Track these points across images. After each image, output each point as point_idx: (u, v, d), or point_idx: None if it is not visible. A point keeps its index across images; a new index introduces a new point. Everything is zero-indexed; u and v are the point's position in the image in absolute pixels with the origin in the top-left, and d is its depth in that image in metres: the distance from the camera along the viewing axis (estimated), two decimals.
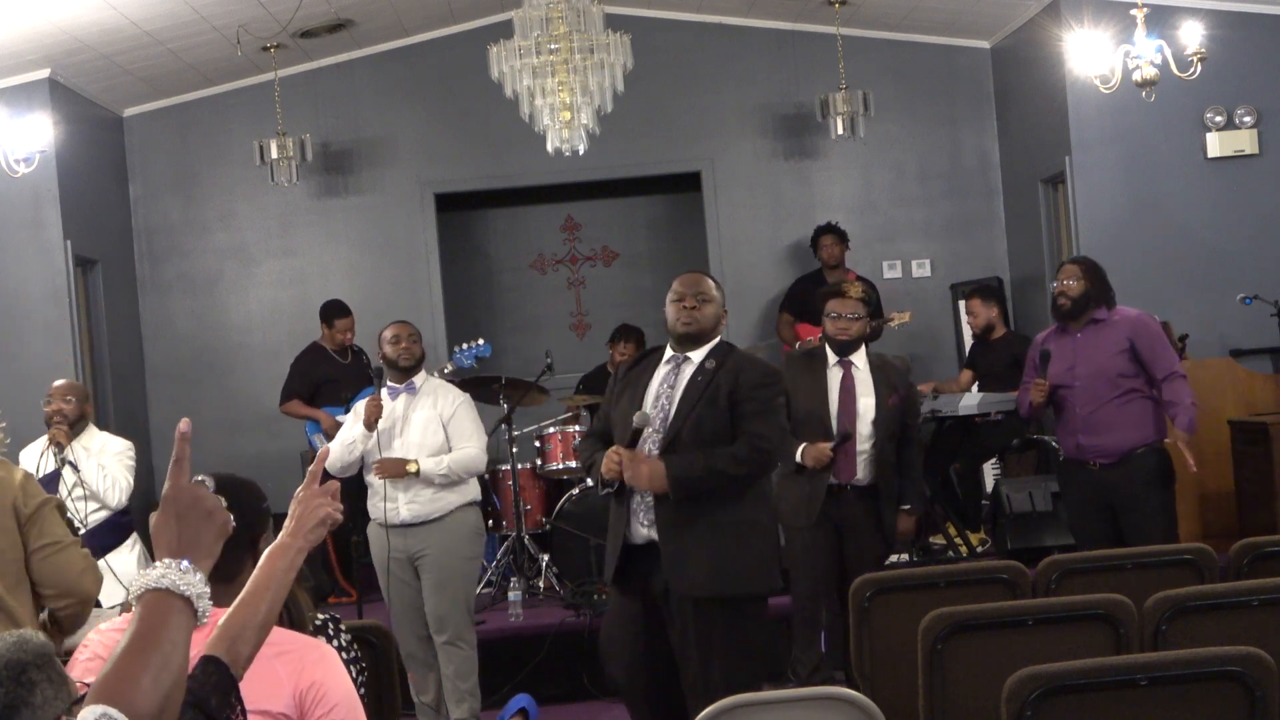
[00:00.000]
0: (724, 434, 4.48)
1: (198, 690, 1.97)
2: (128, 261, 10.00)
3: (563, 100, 7.71)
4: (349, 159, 10.13)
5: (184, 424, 1.97)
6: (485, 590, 7.50)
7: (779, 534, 5.00)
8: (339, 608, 7.72)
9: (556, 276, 10.87)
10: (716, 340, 4.65)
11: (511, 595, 7.15)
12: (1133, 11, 6.85)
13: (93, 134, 9.42)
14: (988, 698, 3.18)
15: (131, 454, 6.15)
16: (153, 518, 1.93)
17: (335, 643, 3.01)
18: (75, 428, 6.01)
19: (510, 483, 7.73)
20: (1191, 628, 3.60)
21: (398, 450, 5.97)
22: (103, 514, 5.99)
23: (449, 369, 7.13)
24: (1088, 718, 2.98)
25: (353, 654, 3.06)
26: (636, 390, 4.57)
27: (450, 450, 5.99)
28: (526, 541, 7.71)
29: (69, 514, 5.74)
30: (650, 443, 4.49)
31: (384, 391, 6.12)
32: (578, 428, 7.91)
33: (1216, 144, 8.59)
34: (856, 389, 5.77)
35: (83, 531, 5.79)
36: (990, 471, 8.71)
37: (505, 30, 8.09)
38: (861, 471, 5.75)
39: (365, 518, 6.20)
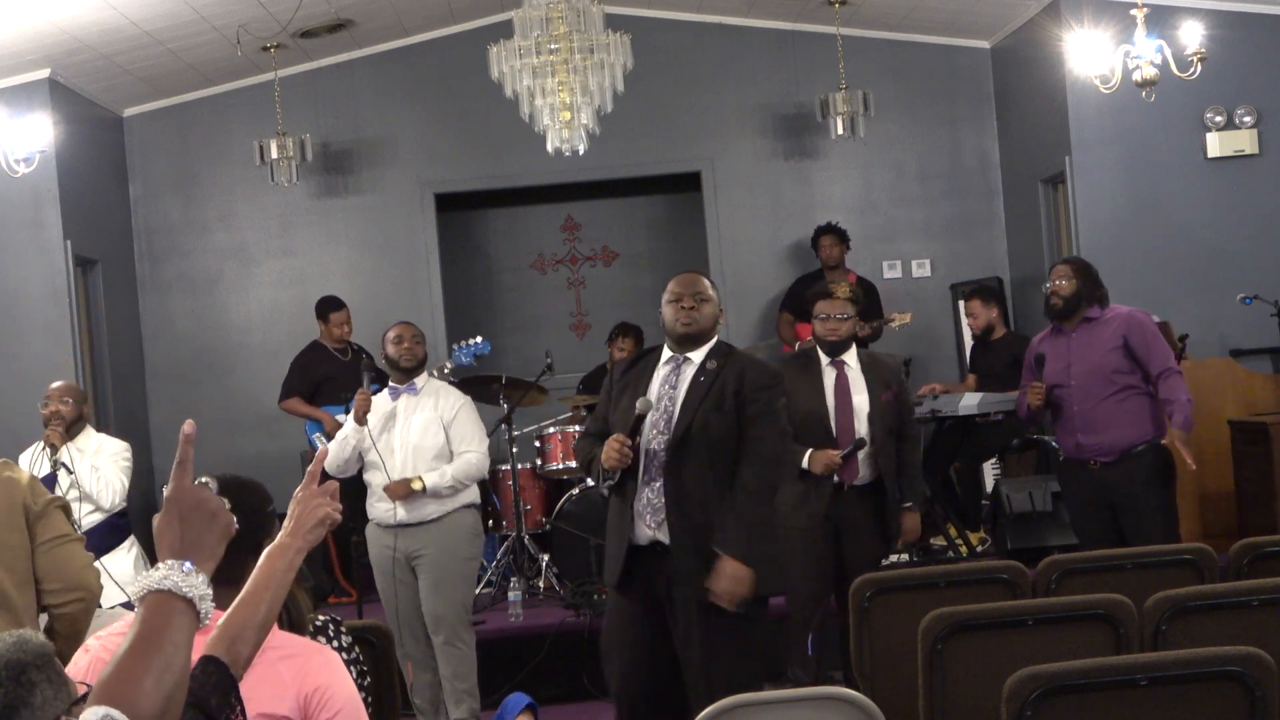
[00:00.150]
0: (731, 435, 4.46)
1: (197, 690, 1.97)
2: (128, 261, 10.00)
3: (563, 100, 7.72)
4: (349, 159, 10.13)
5: (188, 426, 1.97)
6: (485, 590, 7.50)
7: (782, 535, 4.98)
8: (339, 608, 7.72)
9: (556, 276, 10.88)
10: (714, 340, 4.63)
11: (511, 595, 7.15)
12: (1133, 11, 6.86)
13: (93, 134, 9.42)
14: (988, 698, 3.18)
15: (128, 455, 6.15)
16: (156, 519, 1.93)
17: (336, 644, 3.01)
18: (72, 430, 6.01)
19: (510, 483, 7.73)
20: (1191, 628, 3.60)
21: (398, 450, 5.97)
22: (98, 516, 5.99)
23: (448, 368, 7.12)
24: (1088, 718, 2.98)
25: (353, 655, 3.06)
26: (636, 391, 4.55)
27: (450, 452, 5.99)
28: (526, 541, 7.71)
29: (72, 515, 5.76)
30: (655, 443, 4.46)
31: (385, 392, 6.12)
32: (577, 428, 7.91)
33: (1216, 144, 8.59)
34: (850, 388, 5.78)
35: (78, 531, 5.80)
36: (990, 471, 8.72)
37: (505, 30, 8.10)
38: (862, 470, 5.75)
39: (365, 518, 6.20)
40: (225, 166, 10.06)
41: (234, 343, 10.12)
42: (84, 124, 9.12)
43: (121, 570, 5.97)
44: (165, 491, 1.96)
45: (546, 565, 7.65)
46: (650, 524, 4.44)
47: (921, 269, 10.12)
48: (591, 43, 7.68)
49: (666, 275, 4.77)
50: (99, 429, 6.72)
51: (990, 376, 8.02)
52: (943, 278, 10.06)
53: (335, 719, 2.51)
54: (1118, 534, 5.95)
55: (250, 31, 8.72)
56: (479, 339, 7.62)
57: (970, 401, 7.64)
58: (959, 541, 7.74)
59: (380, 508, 6.01)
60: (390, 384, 6.15)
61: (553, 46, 7.64)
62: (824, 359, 5.82)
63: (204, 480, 2.00)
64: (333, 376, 8.43)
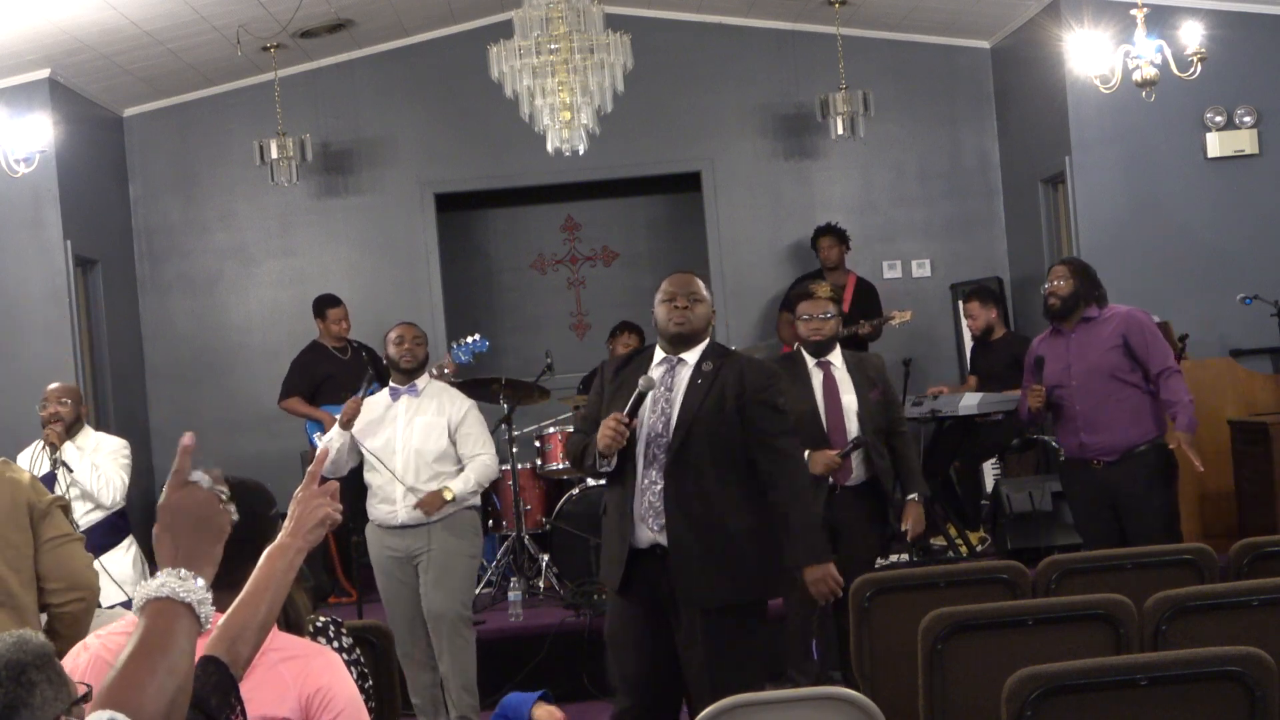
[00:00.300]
0: (735, 439, 4.44)
1: (198, 690, 1.97)
2: (128, 261, 10.01)
3: (563, 100, 7.72)
4: (349, 159, 10.13)
5: (188, 438, 1.98)
6: (485, 590, 7.50)
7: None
8: (339, 608, 7.72)
9: (556, 276, 10.88)
10: (708, 341, 4.61)
11: (511, 595, 7.15)
12: (1133, 11, 6.86)
13: (93, 134, 9.42)
14: (988, 698, 3.18)
15: (126, 452, 6.15)
16: (155, 530, 1.97)
17: (336, 645, 3.01)
18: (70, 430, 6.01)
19: (510, 483, 7.73)
20: (1191, 628, 3.60)
21: (400, 452, 5.96)
22: (97, 515, 5.99)
23: (448, 368, 7.12)
24: (1088, 718, 2.98)
25: (354, 656, 3.06)
26: (630, 391, 4.52)
27: (453, 455, 5.98)
28: (526, 541, 7.71)
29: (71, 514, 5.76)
30: (655, 445, 4.44)
31: (386, 392, 6.11)
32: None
33: (1216, 144, 8.59)
34: (839, 388, 5.78)
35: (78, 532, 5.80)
36: (990, 471, 8.72)
37: (505, 30, 8.10)
38: (856, 471, 5.75)
39: (365, 518, 6.20)
40: (225, 166, 10.06)
41: (234, 343, 10.12)
42: (84, 124, 9.12)
43: (121, 569, 5.98)
44: (159, 502, 1.97)
45: (546, 565, 7.65)
46: (652, 527, 4.41)
47: (921, 269, 10.12)
48: (591, 43, 7.68)
49: (666, 275, 4.74)
50: (98, 429, 6.73)
51: (990, 377, 8.02)
52: (943, 278, 10.06)
53: None
54: (1121, 533, 5.95)
55: (250, 31, 8.72)
56: (477, 336, 7.62)
57: (970, 401, 7.64)
58: (959, 541, 7.74)
59: (382, 509, 6.01)
60: (391, 384, 6.14)
61: (553, 46, 7.64)
62: (809, 361, 5.81)
63: (194, 478, 1.99)
64: (333, 375, 8.42)
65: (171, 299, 10.13)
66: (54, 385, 6.18)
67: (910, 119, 10.06)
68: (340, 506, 2.37)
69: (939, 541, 7.92)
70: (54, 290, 8.69)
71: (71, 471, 5.90)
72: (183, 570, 1.90)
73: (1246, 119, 8.58)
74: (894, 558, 7.44)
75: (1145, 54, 6.80)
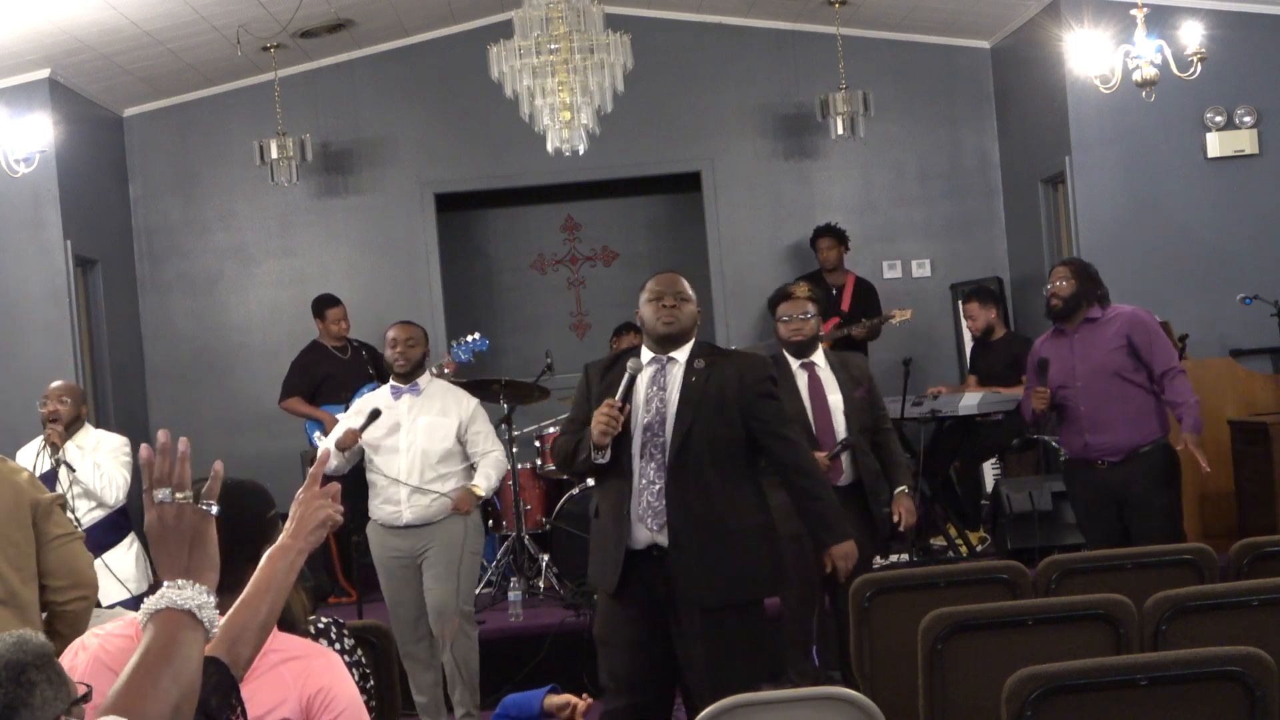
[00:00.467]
0: (736, 437, 4.44)
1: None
2: (128, 261, 10.01)
3: (563, 100, 7.72)
4: (349, 159, 10.13)
5: (144, 450, 1.98)
6: (485, 590, 7.50)
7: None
8: (339, 608, 7.72)
9: (556, 276, 10.88)
10: (693, 340, 4.61)
11: (511, 595, 7.15)
12: (1133, 11, 6.85)
13: (93, 134, 9.42)
14: (988, 698, 3.18)
15: (127, 450, 6.15)
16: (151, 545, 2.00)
17: (338, 646, 3.01)
18: (70, 428, 6.01)
19: (510, 483, 7.73)
20: (1191, 628, 3.60)
21: (404, 452, 5.95)
22: (99, 513, 6.00)
23: (448, 368, 7.12)
24: (1088, 718, 2.98)
25: (355, 658, 3.05)
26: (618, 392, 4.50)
27: (458, 453, 5.97)
28: (526, 541, 7.71)
29: (68, 512, 5.77)
30: (652, 445, 4.43)
31: (387, 391, 6.09)
32: None
33: (1216, 144, 8.59)
34: (824, 388, 5.77)
35: (79, 529, 5.80)
36: (990, 471, 8.72)
37: (505, 30, 8.10)
38: (845, 471, 5.74)
39: (365, 518, 6.20)
40: (225, 166, 10.06)
41: (234, 343, 10.12)
42: (84, 124, 9.12)
43: (124, 567, 5.98)
44: (145, 523, 1.99)
45: (546, 565, 7.65)
46: (651, 526, 4.40)
47: (921, 269, 10.13)
48: (591, 43, 7.68)
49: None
50: (98, 428, 6.72)
51: (990, 377, 8.03)
52: (943, 278, 10.06)
53: None
54: (1124, 533, 5.95)
55: (250, 31, 8.72)
56: (477, 335, 7.62)
57: (970, 401, 7.64)
58: (959, 541, 7.74)
59: (386, 510, 6.00)
60: (392, 383, 6.13)
61: (553, 46, 7.64)
62: (793, 362, 5.80)
63: (159, 498, 1.97)
64: (333, 375, 8.44)
65: (171, 299, 10.13)
66: (55, 384, 6.18)
67: (910, 119, 10.06)
68: (341, 508, 2.37)
69: (939, 541, 7.93)
70: (54, 290, 8.69)
71: (74, 471, 5.90)
72: (181, 580, 1.92)
73: (1246, 119, 8.58)
74: (894, 558, 7.44)
75: (1145, 54, 6.80)
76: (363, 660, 3.11)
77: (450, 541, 5.94)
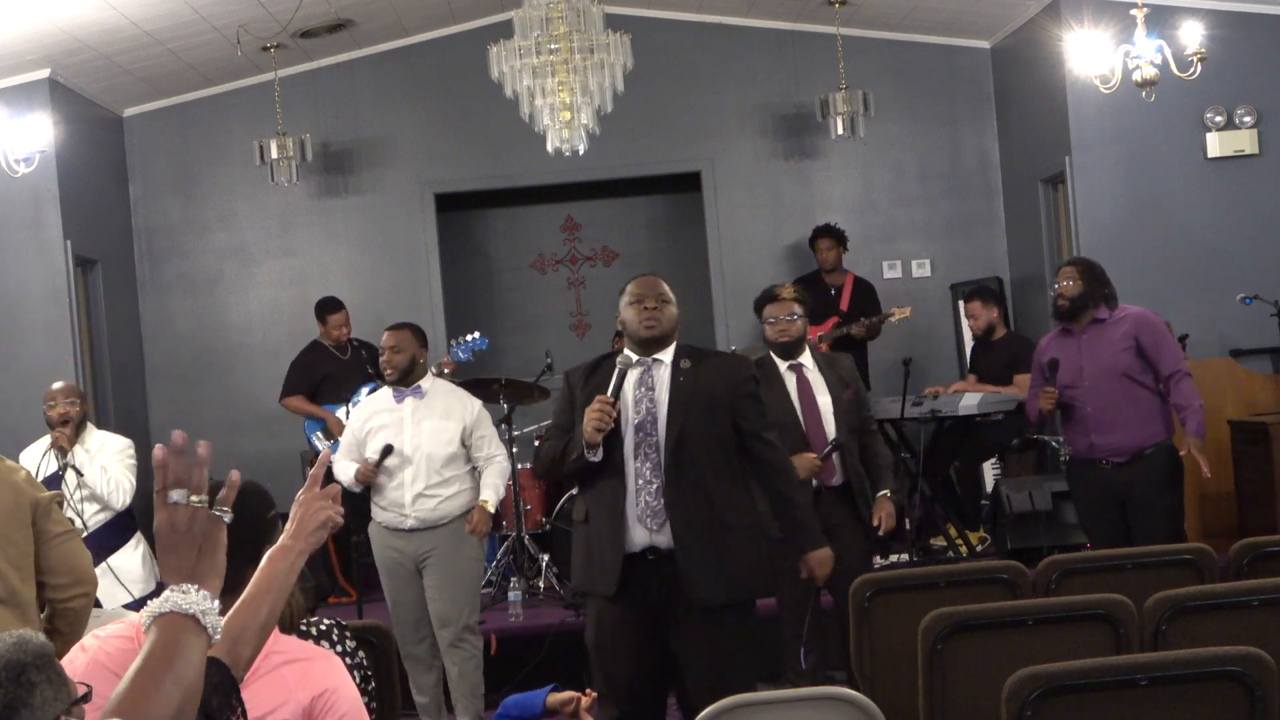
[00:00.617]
0: (729, 436, 4.46)
1: None
2: (128, 261, 10.01)
3: (563, 100, 7.72)
4: (349, 159, 10.13)
5: (158, 450, 1.95)
6: (485, 590, 7.49)
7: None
8: (339, 608, 7.72)
9: (556, 276, 10.88)
10: (675, 342, 4.61)
11: (511, 595, 7.15)
12: (1133, 11, 6.85)
13: (93, 134, 9.42)
14: (988, 698, 3.18)
15: (131, 452, 6.15)
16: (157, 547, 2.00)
17: (340, 649, 3.01)
18: (76, 430, 6.01)
19: (510, 483, 7.73)
20: (1191, 628, 3.60)
21: (407, 455, 5.92)
22: (104, 515, 6.00)
23: (447, 367, 7.11)
24: (1088, 718, 2.98)
25: (357, 660, 3.05)
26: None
27: (462, 457, 5.96)
28: (526, 541, 7.71)
29: (67, 513, 5.77)
30: (645, 445, 4.42)
31: (389, 394, 6.06)
32: None
33: (1216, 144, 8.59)
34: (813, 390, 5.77)
35: (86, 533, 5.81)
36: (990, 471, 8.72)
37: (505, 30, 8.10)
38: (837, 471, 5.74)
39: (365, 518, 6.19)
40: (225, 166, 10.06)
41: (234, 343, 10.13)
42: (84, 124, 9.12)
43: (130, 568, 5.97)
44: (154, 524, 1.98)
45: (546, 565, 7.65)
46: (651, 526, 4.39)
47: (921, 269, 10.13)
48: (591, 43, 7.68)
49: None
50: (98, 428, 6.72)
51: (990, 377, 8.03)
52: (943, 278, 10.06)
53: None
54: (1127, 533, 5.95)
55: (250, 31, 8.72)
56: (477, 335, 7.62)
57: (970, 401, 7.64)
58: (959, 541, 7.74)
59: (391, 514, 5.97)
60: (394, 387, 6.08)
61: (553, 46, 7.64)
62: (781, 364, 5.79)
63: (173, 499, 1.97)
64: (332, 375, 8.43)
65: (171, 299, 10.13)
66: (58, 385, 6.17)
67: (910, 119, 10.06)
68: (342, 510, 2.37)
69: (939, 541, 7.93)
70: (54, 290, 8.69)
71: (81, 475, 5.90)
72: (186, 585, 1.92)
73: (1246, 119, 8.58)
74: (894, 558, 7.44)
75: (1145, 54, 6.80)
76: (364, 663, 3.11)
77: (454, 548, 5.92)
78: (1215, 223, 8.61)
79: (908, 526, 7.72)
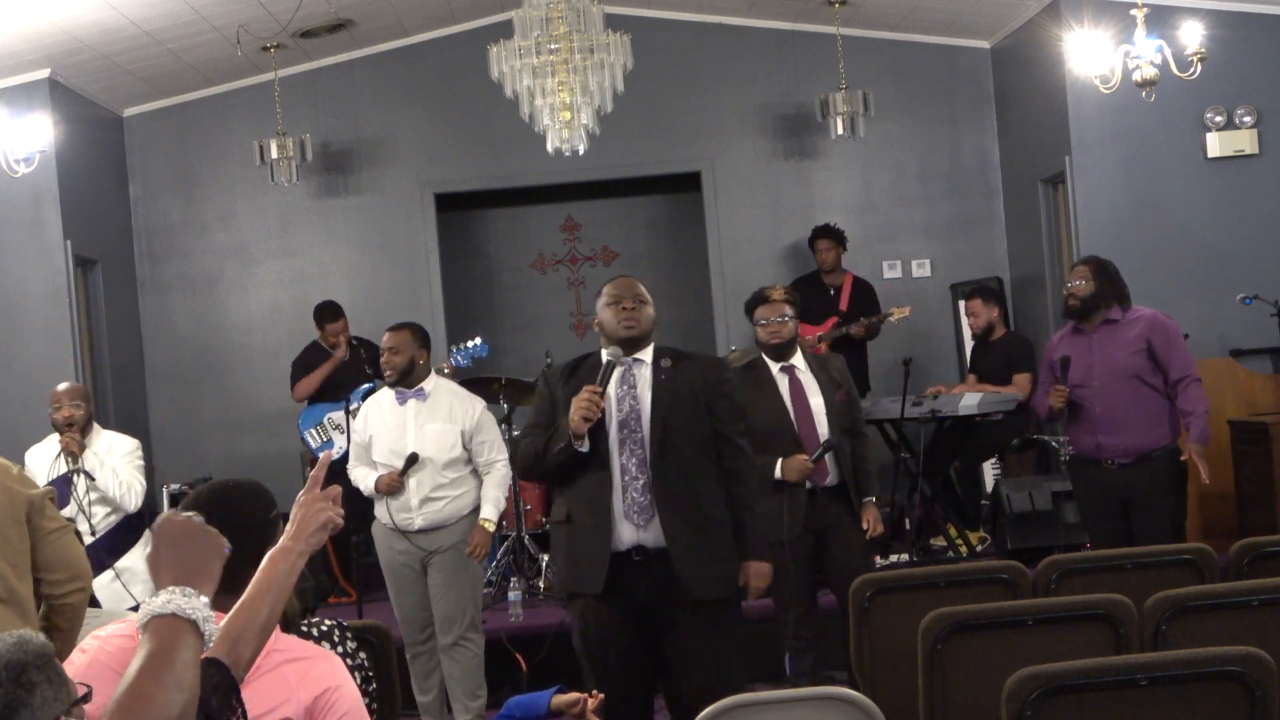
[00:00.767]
0: (710, 433, 4.49)
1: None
2: (128, 261, 10.01)
3: (563, 100, 7.72)
4: (349, 159, 10.13)
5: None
6: (485, 590, 7.49)
7: None
8: (339, 608, 7.72)
9: (556, 276, 10.88)
10: (653, 342, 4.61)
11: (511, 595, 7.15)
12: (1133, 11, 6.85)
13: (93, 134, 9.42)
14: (988, 698, 3.19)
15: (139, 454, 6.16)
16: (146, 553, 2.01)
17: (341, 649, 3.01)
18: (83, 432, 6.00)
19: (511, 486, 7.72)
20: (1191, 628, 3.60)
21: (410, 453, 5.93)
22: (115, 518, 5.99)
23: (447, 370, 7.11)
24: (1088, 718, 2.98)
25: (358, 661, 3.05)
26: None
27: (464, 459, 5.95)
28: (526, 541, 7.71)
29: (74, 515, 5.78)
30: (630, 442, 4.41)
31: (392, 395, 6.04)
32: None
33: (1216, 144, 8.59)
34: (805, 391, 5.76)
35: (96, 536, 5.82)
36: (990, 471, 8.72)
37: (505, 30, 8.10)
38: (830, 471, 5.74)
39: (365, 519, 6.19)
40: (225, 166, 10.06)
41: (234, 343, 10.13)
42: (84, 124, 9.12)
43: (139, 569, 5.94)
44: (154, 525, 2.00)
45: (546, 565, 7.65)
46: (638, 522, 4.39)
47: (921, 269, 10.13)
48: (591, 43, 7.68)
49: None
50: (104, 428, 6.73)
51: (989, 376, 8.03)
52: (943, 278, 10.06)
53: None
54: (1129, 533, 5.95)
55: (250, 31, 8.72)
56: (478, 340, 7.61)
57: (970, 401, 7.64)
58: (959, 541, 7.74)
59: (399, 517, 5.94)
60: (397, 389, 6.06)
61: (553, 46, 7.64)
62: (773, 366, 5.79)
63: (190, 513, 2.03)
64: (332, 375, 8.44)
65: (171, 299, 10.13)
66: (63, 386, 6.15)
67: (910, 119, 10.06)
68: (342, 511, 2.37)
69: (939, 541, 7.93)
70: (54, 290, 8.69)
71: (93, 479, 5.89)
72: (186, 588, 1.93)
73: (1246, 119, 8.58)
74: (894, 558, 7.45)
75: (1145, 54, 6.80)
76: (365, 664, 3.11)
77: (458, 550, 5.92)
78: (1215, 223, 8.61)
79: (908, 526, 7.73)
